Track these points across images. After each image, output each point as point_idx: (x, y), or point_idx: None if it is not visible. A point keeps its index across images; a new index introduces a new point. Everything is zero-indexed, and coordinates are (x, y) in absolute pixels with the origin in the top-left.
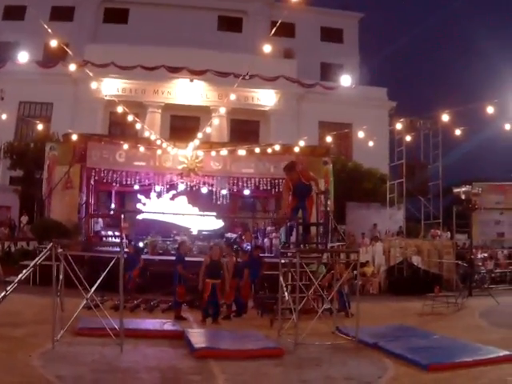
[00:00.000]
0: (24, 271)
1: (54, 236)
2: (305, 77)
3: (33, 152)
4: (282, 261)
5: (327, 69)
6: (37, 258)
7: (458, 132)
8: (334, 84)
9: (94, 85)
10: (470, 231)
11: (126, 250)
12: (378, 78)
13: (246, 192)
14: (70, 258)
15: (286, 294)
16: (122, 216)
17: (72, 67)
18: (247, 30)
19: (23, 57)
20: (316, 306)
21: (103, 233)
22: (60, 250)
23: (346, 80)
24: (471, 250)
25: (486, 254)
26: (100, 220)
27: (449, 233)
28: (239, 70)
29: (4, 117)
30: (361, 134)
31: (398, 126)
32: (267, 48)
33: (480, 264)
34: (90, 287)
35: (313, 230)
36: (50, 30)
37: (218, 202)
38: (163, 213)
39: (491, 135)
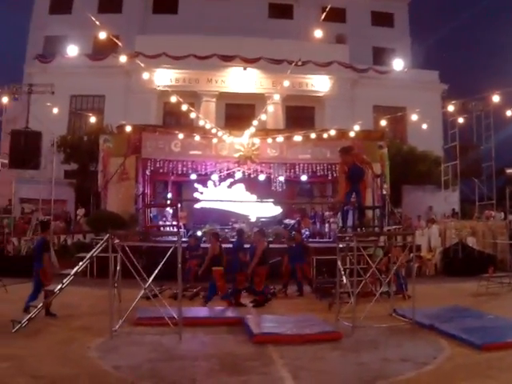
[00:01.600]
0: (80, 263)
1: (110, 227)
2: (357, 62)
3: (86, 145)
4: (340, 245)
5: (379, 53)
6: (93, 250)
7: (509, 113)
8: (386, 68)
9: (145, 75)
10: None
11: (185, 239)
12: (429, 61)
13: (303, 178)
14: (127, 248)
15: (343, 277)
16: (179, 205)
17: (123, 59)
18: (298, 17)
19: (72, 50)
20: (374, 289)
21: (161, 223)
22: (117, 241)
23: (398, 64)
24: None
25: None
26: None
27: (502, 213)
28: (292, 57)
29: (55, 111)
30: (414, 118)
31: (451, 108)
32: (318, 33)
33: None
34: (149, 277)
35: (369, 213)
36: (97, 23)
37: (276, 189)
38: (220, 200)
39: None
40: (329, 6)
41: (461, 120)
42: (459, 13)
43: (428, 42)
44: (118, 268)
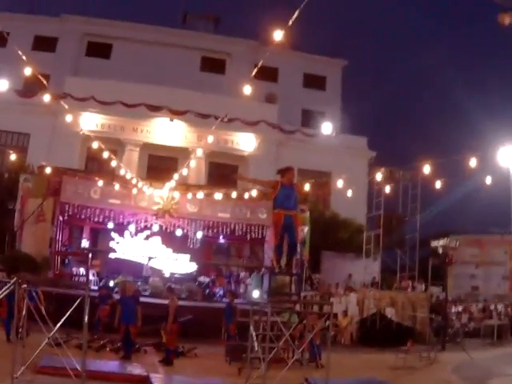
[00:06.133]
0: None
1: (23, 269)
2: (286, 122)
3: (6, 182)
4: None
5: (308, 115)
6: None
7: (437, 184)
8: (314, 131)
9: (68, 117)
10: (445, 284)
11: (95, 288)
12: (359, 127)
13: (221, 237)
14: (33, 294)
15: (255, 343)
16: (90, 255)
17: (47, 98)
18: (230, 73)
19: (2, 85)
20: (286, 356)
21: (74, 270)
22: (24, 286)
23: (326, 128)
24: (446, 304)
25: (460, 308)
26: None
27: (423, 285)
28: (220, 113)
29: None
30: (340, 184)
31: (378, 176)
32: (248, 89)
33: (454, 318)
34: (58, 324)
35: (285, 278)
36: (25, 58)
37: (192, 245)
38: (133, 255)
39: (469, 188)
40: (262, 63)
41: (387, 189)
42: (392, 80)
43: (359, 108)
44: (23, 313)
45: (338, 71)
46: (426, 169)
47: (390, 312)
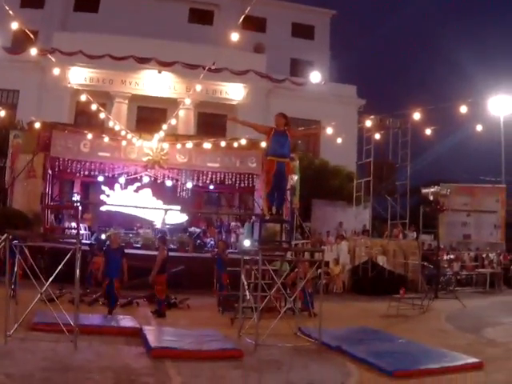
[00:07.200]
0: None
1: (14, 226)
2: (274, 72)
3: None
4: (245, 257)
5: (297, 65)
6: None
7: (427, 132)
8: (303, 80)
9: (56, 71)
10: (437, 232)
11: (89, 242)
12: (348, 76)
13: (211, 186)
14: (26, 249)
15: (247, 292)
16: (80, 208)
17: (34, 52)
18: (218, 23)
19: None
20: (279, 305)
21: (67, 224)
22: (15, 242)
23: (315, 76)
24: (438, 252)
25: (452, 256)
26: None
27: (414, 233)
28: (208, 63)
29: None
30: (329, 131)
31: (368, 123)
32: (235, 36)
33: (446, 266)
34: (49, 279)
35: (276, 226)
36: (12, 14)
37: (183, 196)
38: (124, 205)
39: (460, 137)
40: (248, 9)
41: (377, 136)
42: (381, 28)
43: (348, 57)
44: (15, 269)
45: (326, 20)
46: (416, 116)
47: (381, 260)
